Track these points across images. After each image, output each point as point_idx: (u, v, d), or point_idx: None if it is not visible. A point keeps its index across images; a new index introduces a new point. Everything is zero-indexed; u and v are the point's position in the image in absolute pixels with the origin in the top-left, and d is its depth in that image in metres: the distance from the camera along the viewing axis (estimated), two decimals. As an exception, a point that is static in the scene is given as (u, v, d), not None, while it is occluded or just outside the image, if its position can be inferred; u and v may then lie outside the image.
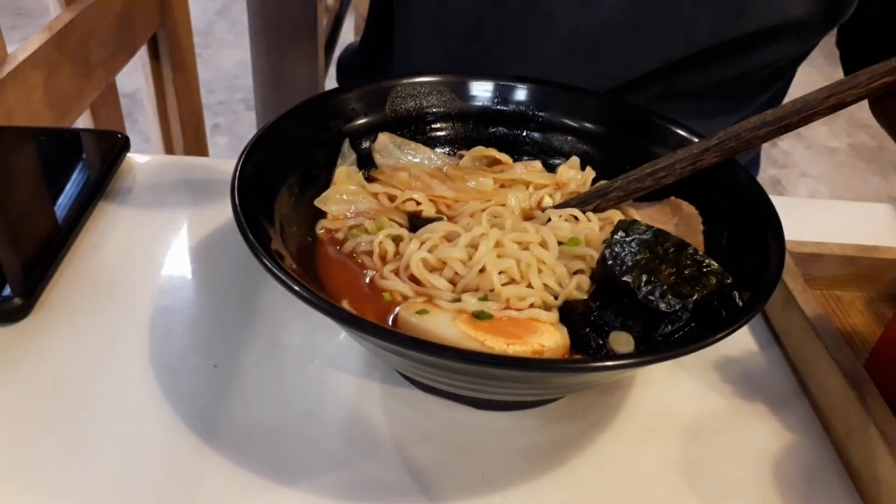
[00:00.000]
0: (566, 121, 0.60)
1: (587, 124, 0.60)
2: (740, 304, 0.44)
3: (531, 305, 0.46)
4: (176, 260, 0.58)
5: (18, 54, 0.75)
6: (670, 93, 0.75)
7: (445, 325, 0.42)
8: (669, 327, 0.44)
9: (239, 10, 3.08)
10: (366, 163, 0.58)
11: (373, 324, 0.37)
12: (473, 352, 0.38)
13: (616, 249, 0.47)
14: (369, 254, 0.50)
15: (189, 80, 1.21)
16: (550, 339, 0.42)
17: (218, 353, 0.51)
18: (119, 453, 0.44)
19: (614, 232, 0.48)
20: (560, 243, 0.49)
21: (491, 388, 0.42)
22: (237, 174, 0.46)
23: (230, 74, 2.76)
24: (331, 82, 1.65)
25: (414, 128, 0.60)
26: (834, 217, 0.74)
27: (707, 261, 0.46)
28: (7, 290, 0.51)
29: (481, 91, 0.60)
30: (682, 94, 0.76)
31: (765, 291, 0.42)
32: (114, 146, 0.67)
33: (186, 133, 1.23)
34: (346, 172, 0.55)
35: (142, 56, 1.13)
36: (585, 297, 0.47)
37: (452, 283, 0.48)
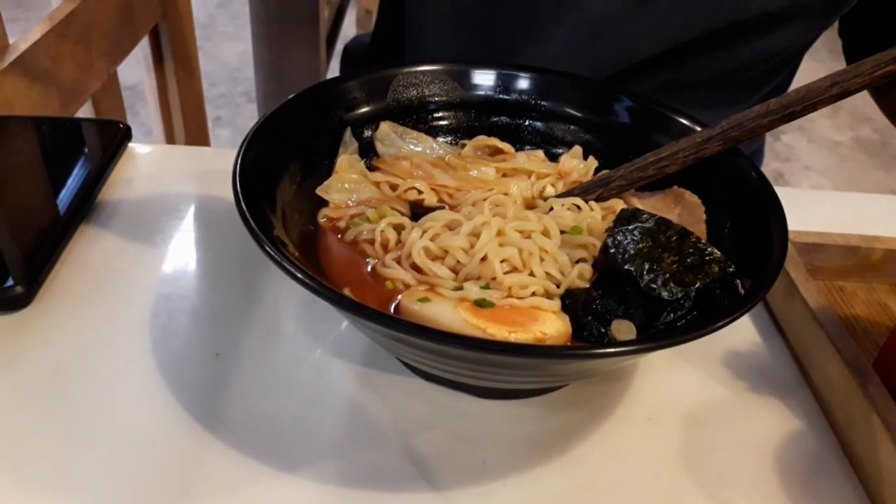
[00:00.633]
0: (569, 110, 0.60)
1: (589, 113, 0.59)
2: (742, 292, 0.44)
3: (533, 294, 0.46)
4: (177, 249, 0.58)
5: (20, 44, 0.75)
6: (674, 83, 0.75)
7: (447, 313, 0.42)
8: (671, 315, 0.44)
9: (240, 2, 3.08)
10: (367, 151, 0.58)
11: (375, 310, 0.37)
12: (475, 338, 0.38)
13: (618, 238, 0.47)
14: (371, 242, 0.50)
15: (191, 73, 1.21)
16: (552, 327, 0.42)
17: (220, 342, 0.51)
18: (120, 441, 0.44)
19: (617, 220, 0.48)
20: (562, 232, 0.49)
21: (492, 376, 0.42)
22: (239, 162, 0.46)
23: (232, 67, 2.76)
24: (332, 74, 1.65)
25: (416, 117, 0.60)
26: (837, 208, 0.74)
27: (709, 249, 0.46)
28: (9, 279, 0.51)
29: (483, 80, 0.60)
30: (686, 85, 0.76)
31: (767, 280, 0.42)
32: (115, 135, 0.67)
33: (188, 125, 1.23)
34: (347, 161, 0.55)
35: (143, 48, 1.13)
36: (587, 285, 0.47)
37: (454, 271, 0.47)
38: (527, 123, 0.61)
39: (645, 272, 0.45)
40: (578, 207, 0.52)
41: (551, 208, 0.52)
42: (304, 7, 1.39)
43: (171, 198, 0.64)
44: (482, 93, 0.60)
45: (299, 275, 0.38)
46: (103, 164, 0.64)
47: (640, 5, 0.69)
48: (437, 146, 0.59)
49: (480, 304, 0.43)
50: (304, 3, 1.38)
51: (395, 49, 0.87)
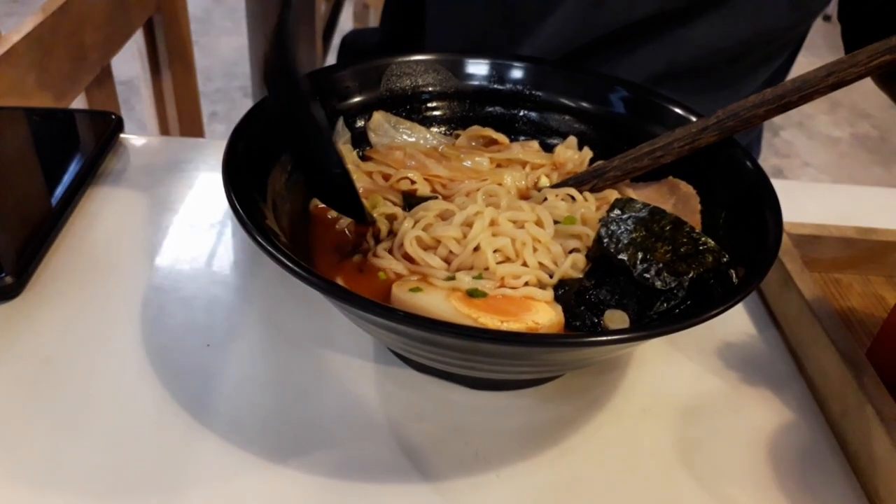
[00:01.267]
0: (563, 100, 0.59)
1: (584, 103, 0.59)
2: (736, 282, 0.44)
3: (526, 284, 0.45)
4: (168, 240, 0.58)
5: (12, 36, 0.75)
6: (673, 68, 0.75)
7: (439, 303, 0.41)
8: (665, 305, 0.44)
9: (237, -3, 3.07)
10: (360, 141, 0.57)
11: (365, 299, 0.37)
12: (465, 326, 0.38)
13: (612, 227, 0.46)
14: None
15: (186, 67, 1.20)
16: (545, 316, 0.42)
17: (210, 333, 0.50)
18: (110, 431, 0.43)
19: (610, 210, 0.48)
20: (556, 222, 0.49)
21: (485, 366, 0.42)
22: (229, 152, 0.45)
23: (228, 62, 2.75)
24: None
25: (409, 107, 0.59)
26: (833, 200, 0.74)
27: (703, 239, 0.45)
28: (0, 270, 0.51)
29: (477, 70, 0.60)
30: (685, 71, 0.75)
31: (761, 269, 0.42)
32: (107, 127, 0.67)
33: (183, 121, 1.22)
34: (340, 151, 0.54)
35: (138, 42, 1.12)
36: (581, 275, 0.47)
37: (447, 261, 0.47)
38: (521, 114, 0.61)
39: (638, 262, 0.45)
40: (572, 198, 0.52)
41: (545, 198, 0.52)
42: (300, 1, 1.38)
43: (163, 189, 0.63)
44: (476, 83, 0.60)
45: (290, 264, 0.38)
46: (95, 155, 0.63)
47: None
48: (431, 136, 0.59)
49: (472, 293, 0.43)
50: (301, -3, 1.37)
51: (406, 39, 0.86)
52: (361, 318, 0.41)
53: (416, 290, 0.43)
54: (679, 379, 0.51)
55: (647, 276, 0.44)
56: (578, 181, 0.54)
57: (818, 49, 2.49)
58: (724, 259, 0.45)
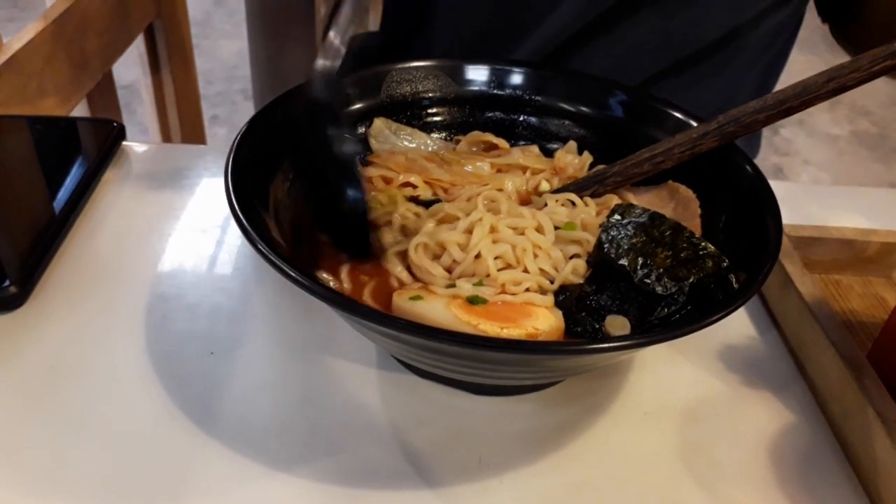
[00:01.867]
0: (563, 105, 0.60)
1: (583, 108, 0.59)
2: (736, 286, 0.44)
3: (527, 290, 0.46)
4: (172, 247, 0.58)
5: (14, 44, 0.75)
6: (675, 63, 0.75)
7: (439, 311, 0.42)
8: (666, 310, 0.44)
9: (237, 0, 3.07)
10: (361, 148, 0.57)
11: (367, 308, 0.37)
12: (464, 334, 0.38)
13: (612, 233, 0.46)
14: (388, 224, 0.50)
15: (187, 71, 1.21)
16: (545, 322, 0.42)
17: (214, 340, 0.51)
18: (115, 439, 0.44)
19: (610, 215, 0.48)
20: (557, 228, 0.49)
21: (486, 372, 0.42)
22: (231, 161, 0.45)
23: (228, 65, 2.75)
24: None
25: (410, 113, 0.59)
26: (833, 202, 0.74)
27: (703, 244, 0.46)
28: (4, 279, 0.51)
29: (477, 75, 0.60)
30: (686, 62, 0.76)
31: (761, 273, 0.42)
32: (109, 134, 0.67)
33: (184, 124, 1.22)
34: (340, 158, 0.55)
35: (139, 47, 1.12)
36: (582, 281, 0.47)
37: (449, 270, 0.47)
38: (521, 119, 0.61)
39: (639, 267, 0.45)
40: (573, 203, 0.52)
41: (545, 204, 0.52)
42: (300, 4, 1.38)
43: (166, 196, 0.64)
44: (476, 88, 0.60)
45: (292, 273, 0.38)
46: (97, 163, 0.64)
47: None
48: (432, 142, 0.59)
49: (473, 300, 0.43)
50: (301, 0, 1.38)
51: (408, 41, 0.86)
52: (363, 327, 0.41)
53: (416, 298, 0.43)
54: (680, 382, 0.51)
55: (647, 281, 0.44)
56: (579, 186, 0.54)
57: (818, 49, 2.49)
58: (725, 264, 0.45)
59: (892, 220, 0.64)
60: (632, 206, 0.49)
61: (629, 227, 0.47)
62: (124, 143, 0.69)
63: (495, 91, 0.60)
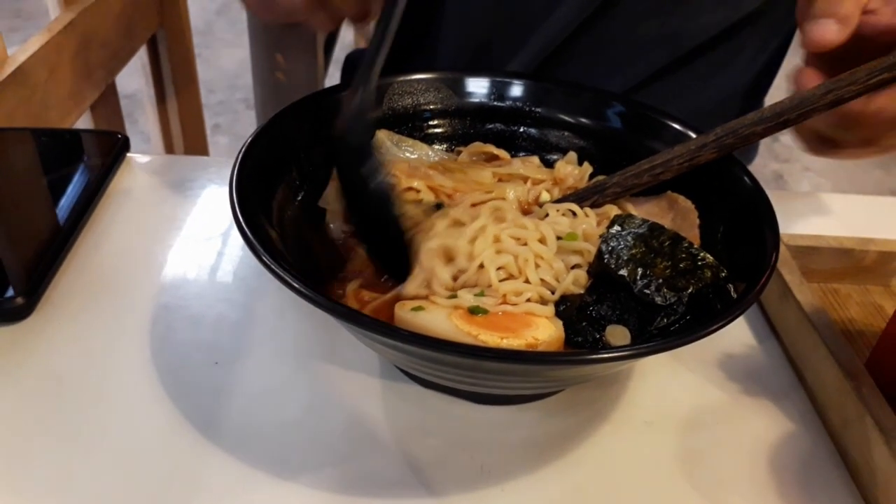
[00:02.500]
0: (562, 116, 0.60)
1: (583, 119, 0.60)
2: (735, 296, 0.45)
3: (528, 300, 0.46)
4: (176, 258, 0.59)
5: (19, 56, 0.76)
6: (674, 61, 0.76)
7: (440, 321, 0.42)
8: (665, 320, 0.45)
9: (238, 9, 3.08)
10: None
11: (369, 318, 0.38)
12: (465, 344, 0.39)
13: (612, 244, 0.47)
14: None
15: (189, 80, 1.22)
16: (545, 332, 0.43)
17: (219, 350, 0.51)
18: (121, 449, 0.44)
19: (610, 226, 0.48)
20: (558, 238, 0.50)
21: (487, 382, 0.42)
22: (235, 173, 0.46)
23: (230, 74, 2.76)
24: (330, 81, 1.65)
25: (411, 125, 0.60)
26: (831, 210, 0.74)
27: (702, 254, 0.46)
28: (10, 290, 0.51)
29: (478, 87, 0.61)
30: (684, 60, 0.77)
31: (758, 283, 0.43)
32: (114, 146, 0.68)
33: (187, 133, 1.23)
34: (343, 169, 0.55)
35: (141, 57, 1.13)
36: (582, 291, 0.48)
37: (453, 278, 0.48)
38: (521, 130, 0.61)
39: (638, 277, 0.45)
40: (574, 213, 0.53)
41: (547, 214, 0.53)
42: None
43: (170, 207, 0.64)
44: (477, 100, 0.61)
45: (296, 285, 0.39)
46: (102, 175, 0.64)
47: None
48: (433, 153, 0.60)
49: (474, 311, 0.44)
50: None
51: (413, 47, 0.87)
52: (366, 337, 0.42)
53: (418, 309, 0.44)
54: (680, 391, 0.52)
55: (647, 291, 0.45)
56: (579, 197, 0.55)
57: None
58: (723, 274, 0.46)
59: (890, 228, 0.64)
60: (631, 216, 0.49)
61: (629, 238, 0.47)
62: (128, 154, 0.69)
63: (496, 103, 0.61)
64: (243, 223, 0.42)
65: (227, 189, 0.45)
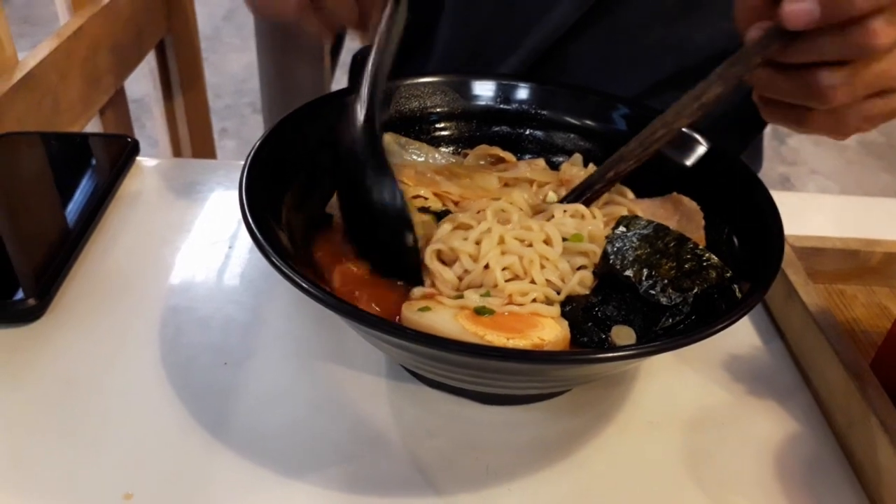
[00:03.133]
0: (568, 119, 0.61)
1: (588, 122, 0.60)
2: (740, 296, 0.45)
3: (534, 301, 0.46)
4: (185, 260, 0.59)
5: (28, 61, 0.76)
6: (679, 69, 0.76)
7: (446, 321, 0.42)
8: (670, 320, 0.45)
9: (245, 13, 3.08)
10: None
11: (377, 318, 0.38)
12: (471, 343, 0.39)
13: (617, 245, 0.47)
14: None
15: (196, 85, 1.22)
16: (550, 332, 0.43)
17: (227, 351, 0.52)
18: (131, 449, 0.45)
19: (615, 227, 0.49)
20: (564, 240, 0.50)
21: (492, 381, 0.43)
22: (244, 176, 0.46)
23: (237, 78, 2.77)
24: (337, 85, 1.66)
25: (418, 128, 0.61)
26: (837, 212, 0.74)
27: (707, 255, 0.46)
28: (21, 293, 0.52)
29: (484, 91, 0.61)
30: (689, 72, 0.76)
31: (763, 283, 0.43)
32: (123, 150, 0.68)
33: (194, 138, 1.24)
34: (350, 172, 0.56)
35: (149, 62, 1.14)
36: (588, 292, 0.48)
37: (459, 277, 0.48)
38: (527, 132, 0.62)
39: (644, 278, 0.46)
40: (581, 216, 0.53)
41: (552, 215, 0.53)
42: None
43: (178, 210, 0.65)
44: (483, 103, 0.61)
45: (305, 285, 0.39)
46: (112, 179, 0.65)
47: None
48: (440, 156, 0.60)
49: (480, 311, 0.44)
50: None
51: (417, 51, 0.88)
52: (373, 337, 0.42)
53: (425, 309, 0.44)
54: (686, 391, 0.52)
55: (652, 292, 0.45)
56: (579, 194, 0.55)
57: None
58: (728, 274, 0.46)
59: None
60: (637, 218, 0.50)
61: (634, 239, 0.47)
62: (138, 158, 0.70)
63: (502, 106, 0.61)
64: (252, 224, 0.43)
65: (234, 192, 0.46)
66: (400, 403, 0.49)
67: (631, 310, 0.46)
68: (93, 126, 0.96)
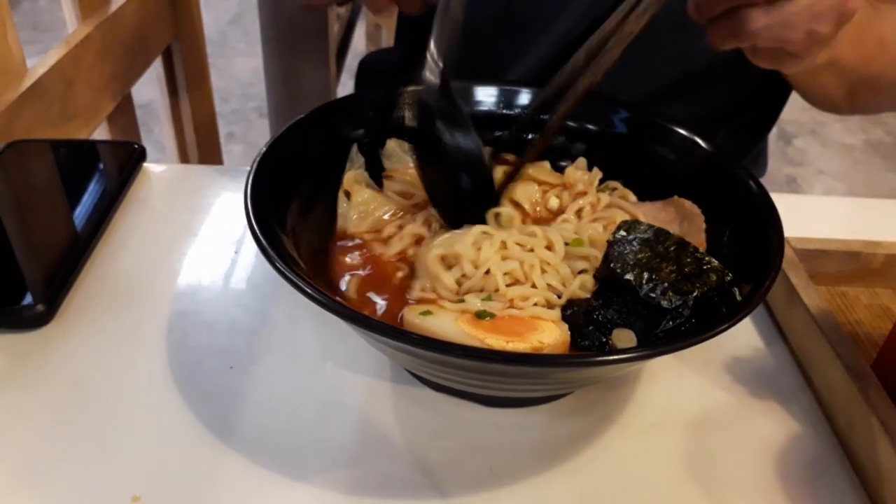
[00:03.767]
0: (571, 123, 0.61)
1: (590, 126, 0.61)
2: (740, 299, 0.45)
3: (535, 305, 0.47)
4: (192, 266, 0.60)
5: (38, 69, 0.77)
6: (684, 74, 0.77)
7: (447, 325, 0.43)
8: (671, 323, 0.45)
9: (251, 18, 3.11)
10: (375, 167, 0.59)
11: (380, 323, 0.39)
12: (467, 346, 0.40)
13: (618, 249, 0.48)
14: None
15: (203, 90, 1.23)
16: (550, 336, 0.43)
17: (233, 355, 0.52)
18: (138, 453, 0.45)
19: (616, 231, 0.49)
20: (565, 244, 0.50)
21: (494, 384, 0.43)
22: (250, 183, 0.47)
23: (243, 83, 2.79)
24: (343, 89, 1.67)
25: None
26: (839, 213, 0.74)
27: (707, 258, 0.47)
28: (29, 298, 0.53)
29: (486, 96, 0.62)
30: (693, 82, 0.77)
31: (763, 285, 0.43)
32: (130, 156, 0.69)
33: (201, 142, 1.25)
34: (353, 177, 0.56)
35: (156, 67, 1.15)
36: (589, 296, 0.48)
37: (458, 283, 0.49)
38: (530, 137, 0.62)
39: (644, 282, 0.46)
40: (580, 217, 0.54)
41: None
42: (313, 23, 1.41)
43: (186, 216, 0.66)
44: (485, 108, 0.62)
45: (310, 290, 0.40)
46: (119, 185, 0.66)
47: None
48: (443, 160, 0.61)
49: (481, 315, 0.45)
50: (314, 18, 1.40)
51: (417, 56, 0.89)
52: (376, 341, 0.42)
53: (426, 313, 0.45)
54: (688, 393, 0.52)
55: (653, 295, 0.46)
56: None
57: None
58: (728, 277, 0.46)
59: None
60: (637, 222, 0.50)
61: (635, 243, 0.48)
62: (145, 164, 0.71)
63: (504, 111, 0.62)
64: (257, 230, 0.43)
65: (241, 197, 0.46)
66: (404, 406, 0.49)
67: (632, 313, 0.46)
68: (101, 132, 0.97)
